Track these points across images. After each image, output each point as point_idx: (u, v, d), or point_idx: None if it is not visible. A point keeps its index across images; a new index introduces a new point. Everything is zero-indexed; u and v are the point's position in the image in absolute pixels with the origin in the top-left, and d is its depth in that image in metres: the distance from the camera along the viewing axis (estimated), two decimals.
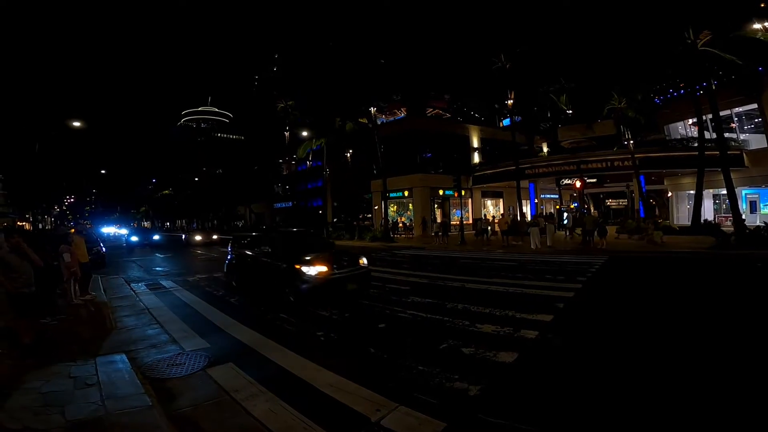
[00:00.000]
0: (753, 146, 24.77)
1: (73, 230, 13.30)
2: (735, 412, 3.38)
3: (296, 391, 4.09)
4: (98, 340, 5.98)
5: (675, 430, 3.20)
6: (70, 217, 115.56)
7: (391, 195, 33.25)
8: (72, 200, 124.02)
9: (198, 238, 31.69)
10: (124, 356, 5.14)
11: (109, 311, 7.93)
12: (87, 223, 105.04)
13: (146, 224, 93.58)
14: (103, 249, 17.42)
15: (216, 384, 4.32)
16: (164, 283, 12.00)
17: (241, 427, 3.43)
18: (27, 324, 5.48)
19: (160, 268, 16.50)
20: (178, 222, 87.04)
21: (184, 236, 34.96)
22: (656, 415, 3.38)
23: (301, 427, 3.37)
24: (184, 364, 5.03)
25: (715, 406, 3.50)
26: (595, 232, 18.13)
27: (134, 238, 30.51)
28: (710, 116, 20.79)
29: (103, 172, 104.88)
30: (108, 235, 56.86)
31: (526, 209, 33.96)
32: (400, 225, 33.15)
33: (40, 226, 66.43)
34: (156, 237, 32.24)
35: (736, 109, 25.43)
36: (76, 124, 25.89)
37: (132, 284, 11.65)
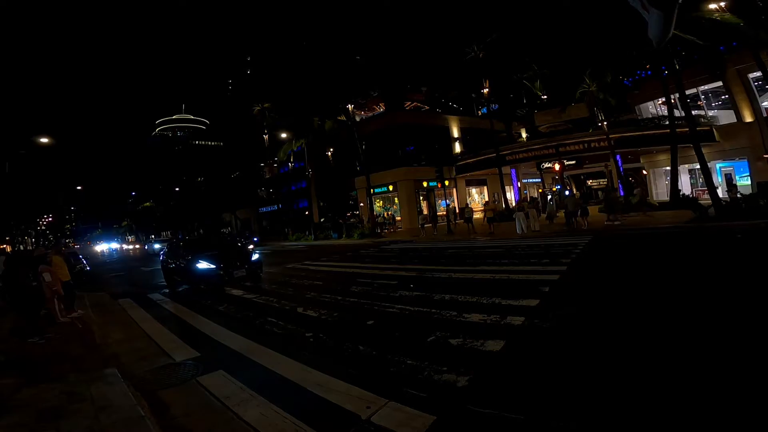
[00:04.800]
0: (723, 121, 25.49)
1: (64, 249, 13.25)
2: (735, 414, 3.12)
3: (287, 394, 4.13)
4: (88, 356, 5.94)
5: (661, 414, 3.15)
6: (51, 237, 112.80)
7: (376, 190, 33.34)
8: (50, 219, 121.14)
9: None
10: (115, 370, 5.12)
11: (96, 327, 7.85)
12: (70, 242, 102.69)
13: (130, 238, 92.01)
14: (88, 267, 17.25)
15: (207, 392, 4.35)
16: (151, 296, 11.87)
17: None
18: None
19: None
20: (163, 234, 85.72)
21: None
22: (642, 398, 3.43)
23: (292, 429, 3.41)
24: (175, 374, 5.04)
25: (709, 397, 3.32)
26: (579, 213, 18.49)
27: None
28: (678, 95, 21.30)
29: (79, 188, 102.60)
30: (110, 254, 48.30)
31: (510, 195, 34.33)
32: (389, 219, 33.22)
33: (21, 247, 64.78)
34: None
35: (702, 87, 26.21)
36: (44, 140, 25.23)
37: (119, 299, 11.49)
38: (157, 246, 31.97)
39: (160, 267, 14.89)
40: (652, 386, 3.51)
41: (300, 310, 8.03)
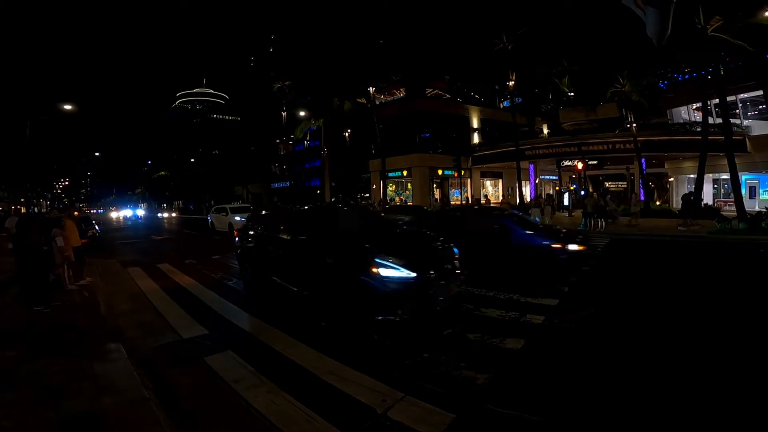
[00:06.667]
0: (756, 132, 24.65)
1: (76, 213, 13.10)
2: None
3: (298, 381, 3.95)
4: (93, 329, 5.78)
5: (681, 416, 3.14)
6: (65, 200, 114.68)
7: (390, 175, 33.05)
8: (66, 183, 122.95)
9: None
10: (120, 345, 4.96)
11: (104, 297, 7.75)
12: (83, 206, 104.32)
13: (143, 205, 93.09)
14: (99, 231, 17.16)
15: (215, 374, 4.19)
16: (161, 266, 11.80)
17: (242, 420, 3.31)
18: None
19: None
20: (175, 203, 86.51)
21: None
22: (662, 401, 3.32)
23: (304, 420, 3.24)
24: (182, 352, 4.89)
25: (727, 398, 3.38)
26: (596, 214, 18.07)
27: None
28: (715, 101, 20.56)
29: (97, 154, 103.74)
30: (133, 219, 44.35)
31: (526, 190, 33.84)
32: (401, 204, 32.99)
33: (35, 210, 65.71)
34: None
35: (741, 96, 25.23)
36: (68, 107, 25.36)
37: (129, 268, 11.44)
38: (237, 218, 19.23)
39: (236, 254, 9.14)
40: (671, 390, 3.49)
41: None
